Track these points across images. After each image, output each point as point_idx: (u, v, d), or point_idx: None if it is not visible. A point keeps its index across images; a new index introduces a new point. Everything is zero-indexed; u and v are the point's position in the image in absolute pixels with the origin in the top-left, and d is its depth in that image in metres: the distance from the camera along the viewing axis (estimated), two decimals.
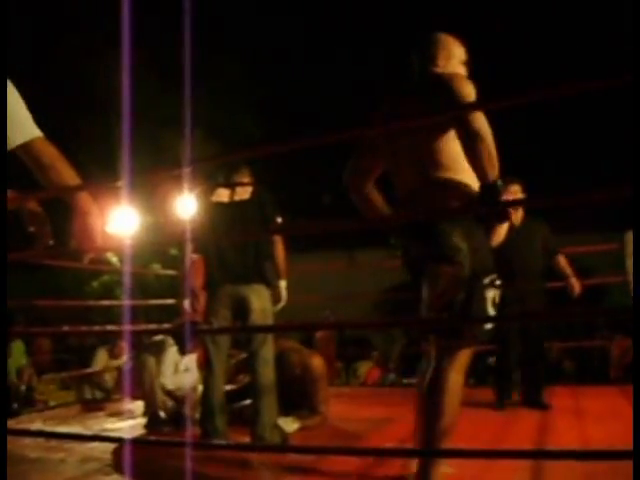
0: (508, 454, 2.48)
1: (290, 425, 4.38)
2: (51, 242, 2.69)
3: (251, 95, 14.72)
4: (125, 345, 7.50)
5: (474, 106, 2.53)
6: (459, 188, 2.62)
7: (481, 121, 2.45)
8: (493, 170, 2.43)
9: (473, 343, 2.61)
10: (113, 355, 7.94)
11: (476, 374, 9.12)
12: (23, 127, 2.20)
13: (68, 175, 2.30)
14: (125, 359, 7.10)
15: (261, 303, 4.04)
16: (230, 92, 14.55)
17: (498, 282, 2.62)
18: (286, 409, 4.50)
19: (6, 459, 1.99)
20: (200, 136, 14.43)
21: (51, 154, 2.26)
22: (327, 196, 16.57)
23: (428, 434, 2.55)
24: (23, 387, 6.86)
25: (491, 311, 2.59)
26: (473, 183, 2.58)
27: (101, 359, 8.00)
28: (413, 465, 2.58)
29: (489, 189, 2.43)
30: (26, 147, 2.21)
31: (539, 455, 2.82)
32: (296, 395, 4.67)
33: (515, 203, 4.15)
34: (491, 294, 2.59)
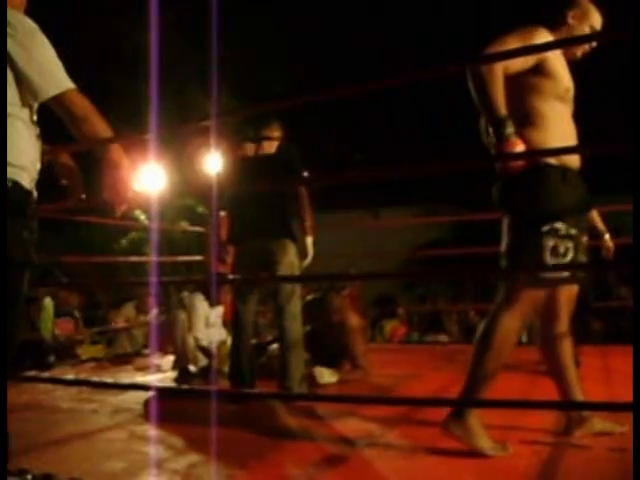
0: (534, 405, 2.52)
1: (328, 377, 4.43)
2: (83, 196, 2.72)
3: (281, 52, 14.59)
4: (152, 300, 7.58)
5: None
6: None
7: None
8: None
9: (530, 287, 2.65)
10: (140, 311, 8.02)
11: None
12: (56, 79, 2.19)
13: (101, 128, 2.30)
14: (153, 314, 7.18)
15: (288, 257, 4.02)
16: (259, 49, 14.45)
17: (563, 231, 2.62)
18: (326, 361, 4.56)
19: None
20: (227, 92, 14.39)
21: (84, 106, 2.26)
22: (358, 154, 16.44)
23: (472, 372, 2.67)
24: (62, 339, 6.94)
25: (549, 260, 2.61)
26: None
27: (128, 313, 8.08)
28: None
29: None
30: (59, 99, 2.20)
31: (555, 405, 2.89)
32: (336, 346, 4.71)
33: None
34: (551, 242, 2.60)
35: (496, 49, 2.53)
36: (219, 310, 5.29)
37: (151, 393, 4.11)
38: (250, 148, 4.21)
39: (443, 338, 8.89)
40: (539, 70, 2.68)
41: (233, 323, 4.14)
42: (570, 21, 2.83)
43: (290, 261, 4.02)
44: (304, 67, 14.70)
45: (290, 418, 3.32)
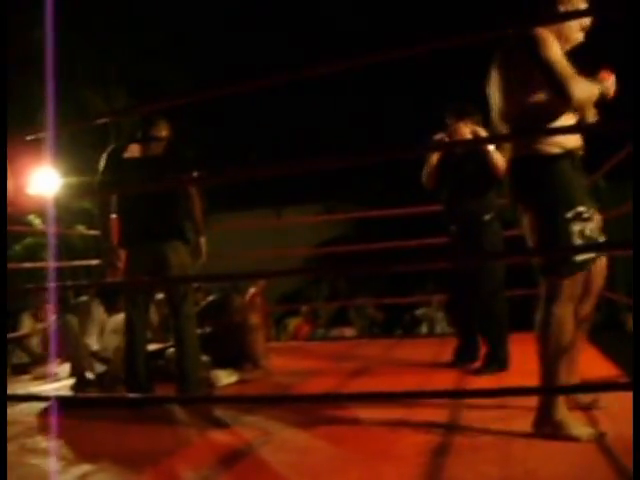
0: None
1: (226, 378, 4.42)
2: None
3: (177, 49, 14.46)
4: (50, 308, 7.36)
5: None
6: None
7: None
8: None
9: (568, 276, 2.71)
10: (38, 319, 7.76)
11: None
12: None
13: None
14: (50, 321, 6.98)
15: (179, 259, 3.99)
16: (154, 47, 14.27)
17: (586, 214, 2.71)
18: (226, 363, 4.54)
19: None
20: (127, 93, 14.15)
21: None
22: (253, 154, 16.34)
23: (543, 371, 2.72)
24: None
25: (580, 243, 2.70)
26: None
27: (27, 323, 7.82)
28: None
29: None
30: None
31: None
32: (237, 346, 4.70)
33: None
34: (577, 227, 2.69)
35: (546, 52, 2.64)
36: (118, 317, 5.17)
37: (46, 404, 4.01)
38: (137, 149, 4.12)
39: (348, 332, 9.04)
40: None
41: (125, 327, 4.08)
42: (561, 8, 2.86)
43: (181, 262, 3.99)
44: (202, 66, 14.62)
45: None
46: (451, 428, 2.92)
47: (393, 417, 3.13)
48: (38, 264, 10.25)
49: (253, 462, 2.66)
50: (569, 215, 2.70)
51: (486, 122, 2.95)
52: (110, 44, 14.42)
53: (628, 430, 1.98)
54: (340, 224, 14.70)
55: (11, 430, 3.48)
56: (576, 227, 2.69)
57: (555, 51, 2.67)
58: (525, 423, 2.77)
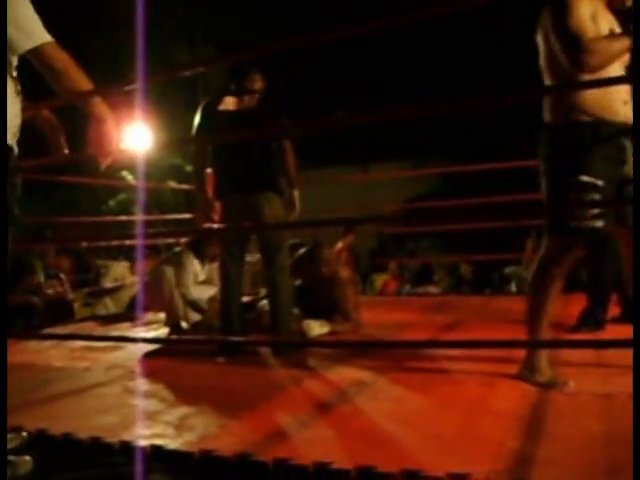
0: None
1: (318, 328, 4.46)
2: (66, 150, 2.70)
3: (266, 12, 14.45)
4: (145, 262, 7.55)
5: None
6: None
7: None
8: None
9: (565, 239, 2.81)
10: (134, 272, 7.97)
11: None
12: (32, 31, 2.16)
13: (81, 81, 2.27)
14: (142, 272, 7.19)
15: (273, 210, 3.99)
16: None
17: (589, 183, 2.71)
18: (317, 315, 4.59)
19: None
20: (211, 52, 14.25)
21: (63, 59, 2.23)
22: (341, 111, 16.28)
23: (530, 320, 2.89)
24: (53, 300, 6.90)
25: (575, 210, 2.79)
26: None
27: (116, 274, 8.02)
28: None
29: None
30: (36, 52, 2.17)
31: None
32: (327, 299, 4.73)
33: None
34: (574, 195, 2.73)
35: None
36: (211, 267, 5.27)
37: (144, 350, 4.15)
38: (231, 102, 4.12)
39: (433, 290, 8.97)
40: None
41: (221, 277, 4.14)
42: None
43: (275, 214, 3.99)
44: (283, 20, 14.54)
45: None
46: (548, 385, 2.87)
47: (487, 370, 3.11)
48: (131, 218, 10.57)
49: (349, 410, 2.67)
50: (569, 181, 2.73)
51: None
52: (197, 2, 14.52)
53: None
54: (429, 180, 14.51)
55: (113, 373, 3.62)
56: (572, 194, 2.73)
57: (577, 15, 2.64)
58: (622, 381, 2.70)
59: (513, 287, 8.70)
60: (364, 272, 10.06)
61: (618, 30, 2.75)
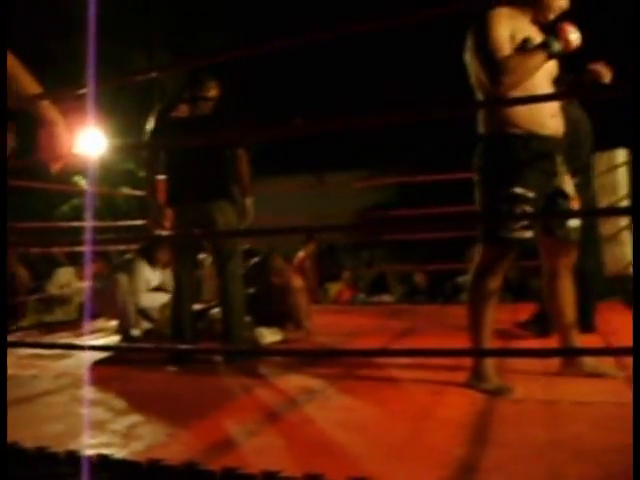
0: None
1: (270, 336, 4.45)
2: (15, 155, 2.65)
3: (221, 14, 14.39)
4: (94, 266, 7.44)
5: None
6: None
7: None
8: None
9: (496, 249, 2.90)
10: (80, 277, 7.80)
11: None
12: None
13: (30, 85, 2.25)
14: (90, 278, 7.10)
15: (225, 218, 3.99)
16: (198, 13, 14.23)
17: (521, 195, 2.81)
18: (269, 322, 4.58)
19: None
20: (168, 57, 14.15)
21: (11, 64, 2.20)
22: (298, 119, 16.30)
23: (471, 329, 3.01)
24: None
25: (506, 221, 2.88)
26: None
27: (62, 280, 7.83)
28: None
29: None
30: None
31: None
32: (280, 307, 4.73)
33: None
34: (506, 206, 2.82)
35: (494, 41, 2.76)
36: (165, 273, 5.24)
37: (93, 358, 4.10)
38: (185, 109, 4.11)
39: (387, 299, 9.03)
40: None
41: (173, 285, 4.12)
42: None
43: (227, 222, 3.98)
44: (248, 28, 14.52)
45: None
46: (495, 392, 2.91)
47: (437, 378, 3.16)
48: (84, 224, 10.42)
49: (298, 418, 2.68)
50: (501, 193, 2.83)
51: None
52: (154, 7, 14.42)
53: None
54: (383, 190, 14.59)
55: (61, 382, 3.57)
56: (504, 206, 2.81)
57: (495, 35, 2.75)
58: (567, 388, 2.85)
59: (465, 296, 8.77)
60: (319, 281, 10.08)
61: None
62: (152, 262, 5.22)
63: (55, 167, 2.38)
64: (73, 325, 5.88)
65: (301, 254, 7.05)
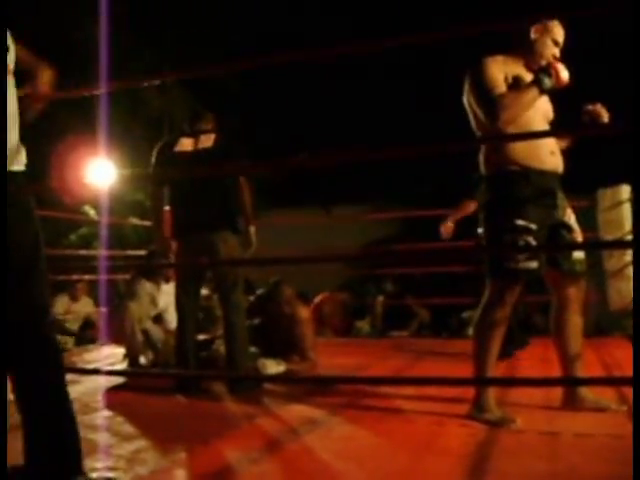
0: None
1: (274, 367, 4.47)
2: None
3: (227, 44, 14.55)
4: (84, 287, 7.49)
5: None
6: None
7: None
8: None
9: (504, 281, 2.96)
10: (74, 298, 7.73)
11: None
12: None
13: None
14: (86, 301, 7.19)
15: (228, 249, 4.03)
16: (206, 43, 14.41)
17: (522, 227, 2.89)
18: (274, 353, 4.61)
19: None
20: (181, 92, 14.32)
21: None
22: (306, 152, 16.37)
23: (476, 360, 3.05)
24: None
25: (511, 253, 2.94)
26: None
27: (59, 306, 7.81)
28: None
29: None
30: None
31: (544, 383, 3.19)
32: (285, 338, 4.75)
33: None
34: (510, 237, 2.89)
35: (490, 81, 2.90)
36: (168, 288, 5.23)
37: (101, 383, 4.14)
38: (188, 143, 4.18)
39: (399, 333, 9.01)
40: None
41: (177, 316, 4.17)
42: (533, 36, 3.04)
43: (231, 252, 4.03)
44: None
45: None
46: (496, 423, 2.94)
47: (439, 409, 3.19)
48: (92, 252, 10.50)
49: (299, 447, 2.71)
50: (505, 226, 2.91)
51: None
52: (163, 39, 14.64)
53: None
54: (389, 224, 14.62)
55: None
56: (508, 237, 2.89)
57: (491, 74, 2.89)
58: (569, 420, 2.89)
59: (470, 330, 8.74)
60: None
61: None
62: (153, 278, 5.24)
63: (69, 199, 2.43)
64: (77, 350, 5.93)
65: (319, 298, 7.06)
